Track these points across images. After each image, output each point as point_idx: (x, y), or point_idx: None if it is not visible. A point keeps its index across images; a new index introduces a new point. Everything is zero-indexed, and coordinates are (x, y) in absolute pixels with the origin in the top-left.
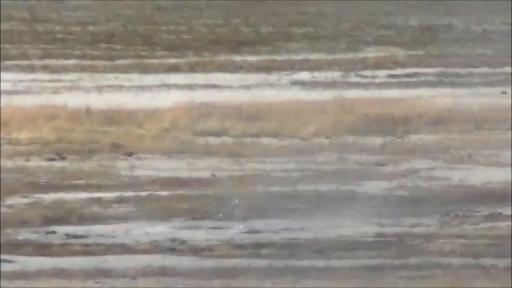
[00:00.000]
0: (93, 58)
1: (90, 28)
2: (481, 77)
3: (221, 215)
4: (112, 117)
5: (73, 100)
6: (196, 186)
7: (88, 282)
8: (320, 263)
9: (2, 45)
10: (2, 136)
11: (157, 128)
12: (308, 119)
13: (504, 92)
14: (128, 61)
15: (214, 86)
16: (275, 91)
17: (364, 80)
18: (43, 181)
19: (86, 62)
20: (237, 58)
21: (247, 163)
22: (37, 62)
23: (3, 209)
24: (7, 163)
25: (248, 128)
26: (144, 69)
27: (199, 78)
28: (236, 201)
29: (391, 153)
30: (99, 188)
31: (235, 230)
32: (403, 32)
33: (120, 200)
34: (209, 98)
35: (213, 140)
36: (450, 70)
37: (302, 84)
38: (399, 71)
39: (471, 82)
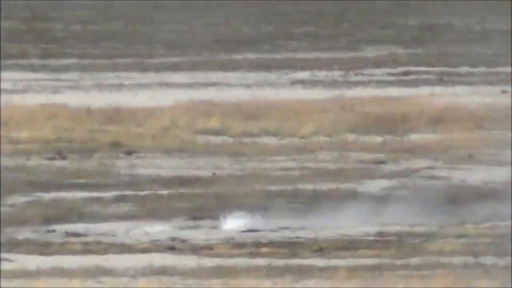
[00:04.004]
0: (94, 57)
1: (91, 27)
2: (481, 76)
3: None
4: (112, 116)
5: (73, 99)
6: (196, 185)
7: (88, 281)
8: (320, 262)
9: (2, 44)
10: (2, 135)
11: (157, 127)
12: (308, 118)
13: (504, 91)
14: (128, 60)
15: (214, 85)
16: (275, 90)
17: (364, 79)
18: (44, 180)
19: (86, 61)
20: (237, 57)
21: (247, 162)
22: (37, 61)
23: (3, 208)
24: (8, 162)
25: (248, 127)
26: (144, 68)
27: (199, 77)
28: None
29: (391, 151)
30: (99, 187)
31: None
32: (403, 31)
33: (120, 199)
34: (209, 97)
35: (214, 139)
36: (450, 69)
37: (302, 83)
38: (399, 70)
39: (471, 81)
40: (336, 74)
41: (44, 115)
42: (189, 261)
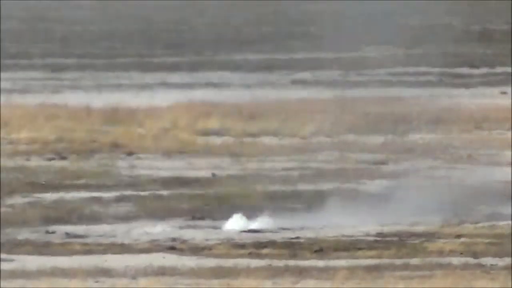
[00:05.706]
0: (93, 57)
1: (91, 27)
2: (481, 77)
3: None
4: (112, 116)
5: (73, 99)
6: (196, 185)
7: (88, 281)
8: (320, 262)
9: (2, 44)
10: (2, 135)
11: (157, 127)
12: (309, 118)
13: (503, 92)
14: (128, 60)
15: (214, 85)
16: (275, 90)
17: (365, 79)
18: (43, 180)
19: (86, 61)
20: (238, 57)
21: (248, 162)
22: (37, 61)
23: (3, 209)
24: (7, 163)
25: (248, 127)
26: (144, 68)
27: (199, 77)
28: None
29: (392, 152)
30: (99, 187)
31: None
32: (403, 31)
33: (120, 200)
34: (209, 97)
35: (214, 140)
36: (450, 69)
37: (303, 83)
38: (399, 70)
39: (471, 81)
40: (336, 74)
41: (44, 115)
42: (189, 261)
